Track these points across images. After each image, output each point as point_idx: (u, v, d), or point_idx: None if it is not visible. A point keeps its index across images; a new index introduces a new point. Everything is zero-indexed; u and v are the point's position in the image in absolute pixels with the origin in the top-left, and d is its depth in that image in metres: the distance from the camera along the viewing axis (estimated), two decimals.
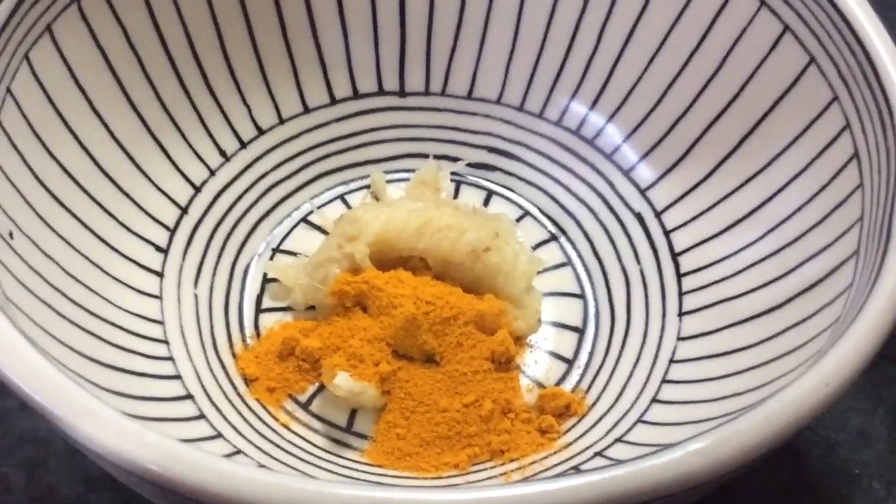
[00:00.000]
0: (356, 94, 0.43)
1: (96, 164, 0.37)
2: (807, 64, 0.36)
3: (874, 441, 0.39)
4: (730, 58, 0.38)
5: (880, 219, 0.30)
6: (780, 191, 0.36)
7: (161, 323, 0.36)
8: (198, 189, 0.40)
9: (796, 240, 0.35)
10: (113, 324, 0.34)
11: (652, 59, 0.40)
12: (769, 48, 0.37)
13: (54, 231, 0.34)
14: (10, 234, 0.31)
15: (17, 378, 0.25)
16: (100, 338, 0.33)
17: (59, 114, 0.35)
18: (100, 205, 0.37)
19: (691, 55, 0.39)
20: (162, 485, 0.24)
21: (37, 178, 0.34)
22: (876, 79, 0.33)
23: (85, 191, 0.36)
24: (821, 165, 0.35)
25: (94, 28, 0.36)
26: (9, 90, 0.33)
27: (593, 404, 0.37)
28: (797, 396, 0.25)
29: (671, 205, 0.40)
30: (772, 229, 0.36)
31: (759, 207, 0.37)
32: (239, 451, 0.33)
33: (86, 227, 0.36)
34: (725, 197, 0.38)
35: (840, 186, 0.33)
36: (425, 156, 0.43)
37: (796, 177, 0.36)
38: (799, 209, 0.35)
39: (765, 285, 0.35)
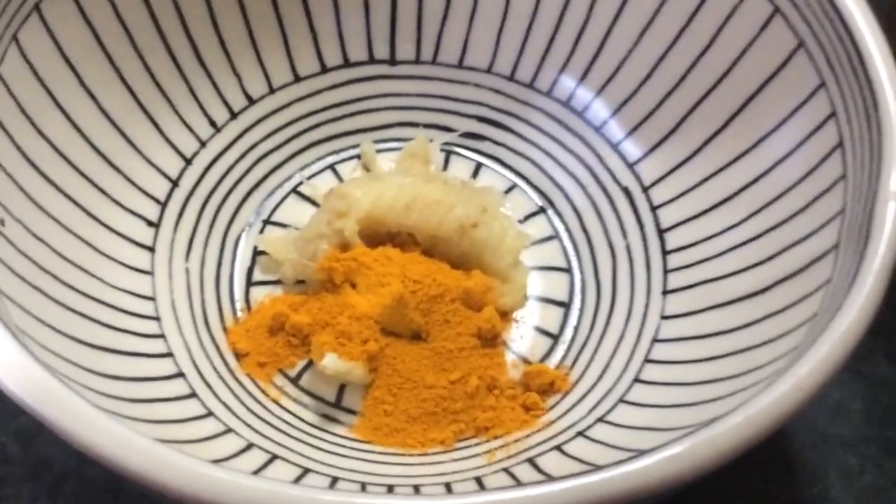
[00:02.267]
0: (347, 63, 0.43)
1: (87, 140, 0.37)
2: (795, 47, 0.36)
3: (851, 414, 0.40)
4: (719, 37, 0.38)
5: (860, 215, 0.30)
6: (764, 174, 0.36)
7: (153, 299, 0.37)
8: (188, 161, 0.40)
9: (778, 225, 0.35)
10: (105, 303, 0.35)
11: (641, 35, 0.40)
12: (759, 29, 0.37)
13: (46, 212, 0.34)
14: (2, 222, 0.32)
15: (13, 386, 0.26)
16: (92, 319, 0.34)
17: (49, 92, 0.35)
18: (91, 182, 0.37)
19: (680, 32, 0.39)
20: (151, 488, 0.25)
21: (28, 160, 0.34)
22: (863, 69, 0.33)
23: (76, 168, 0.36)
24: (806, 152, 0.35)
25: (82, 4, 0.36)
26: None
27: (577, 381, 0.37)
28: (771, 402, 0.26)
29: (658, 180, 0.40)
30: (755, 212, 0.36)
31: (743, 189, 0.37)
32: (230, 430, 0.34)
33: (77, 205, 0.36)
34: (711, 176, 0.38)
35: (824, 175, 0.34)
36: (416, 125, 0.44)
37: (781, 161, 0.36)
38: (782, 194, 0.35)
39: (746, 269, 0.36)
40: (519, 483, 0.32)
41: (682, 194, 0.39)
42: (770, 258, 0.35)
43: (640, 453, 0.25)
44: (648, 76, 0.40)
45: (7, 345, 0.27)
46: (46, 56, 0.35)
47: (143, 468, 0.25)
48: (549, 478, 0.27)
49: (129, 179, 0.38)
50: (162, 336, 0.36)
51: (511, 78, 0.43)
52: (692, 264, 0.38)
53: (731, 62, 0.38)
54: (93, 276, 0.35)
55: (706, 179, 0.39)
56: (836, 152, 0.33)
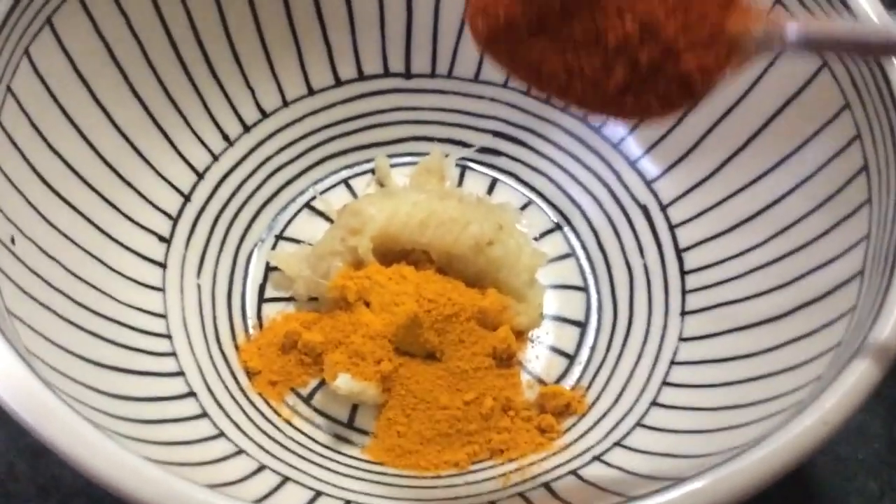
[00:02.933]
0: (361, 76, 0.43)
1: (98, 154, 0.36)
2: (819, 67, 0.35)
3: (872, 439, 0.39)
4: None
5: (887, 242, 0.30)
6: (785, 195, 0.36)
7: (164, 316, 0.36)
8: (201, 175, 0.40)
9: (799, 249, 0.34)
10: (115, 321, 0.35)
11: None
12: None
13: (56, 229, 0.34)
14: (12, 240, 0.31)
15: (19, 410, 0.25)
16: (102, 338, 0.33)
17: (61, 107, 0.35)
18: (102, 197, 0.36)
19: None
20: None
21: (39, 175, 0.34)
22: (889, 91, 0.32)
23: (87, 183, 0.36)
24: (829, 174, 0.34)
25: (95, 17, 0.36)
26: (9, 88, 0.33)
27: (593, 403, 0.37)
28: (794, 436, 0.25)
29: (677, 199, 0.40)
30: (776, 234, 0.36)
31: (764, 210, 0.37)
32: (241, 451, 0.33)
33: (88, 220, 0.36)
34: (731, 195, 0.38)
35: (847, 198, 0.33)
36: (430, 139, 0.43)
37: (803, 182, 0.35)
38: (804, 216, 0.35)
39: (767, 292, 0.35)
40: None
41: (702, 213, 0.39)
42: (791, 282, 0.34)
43: (662, 488, 0.25)
44: None
45: (14, 367, 0.26)
46: (59, 70, 0.35)
47: (146, 495, 0.24)
48: None
49: (140, 194, 0.38)
50: (173, 354, 0.36)
51: (527, 93, 0.43)
52: (711, 285, 0.37)
53: (753, 81, 0.37)
54: (103, 293, 0.35)
55: (726, 199, 0.38)
56: (860, 176, 0.33)
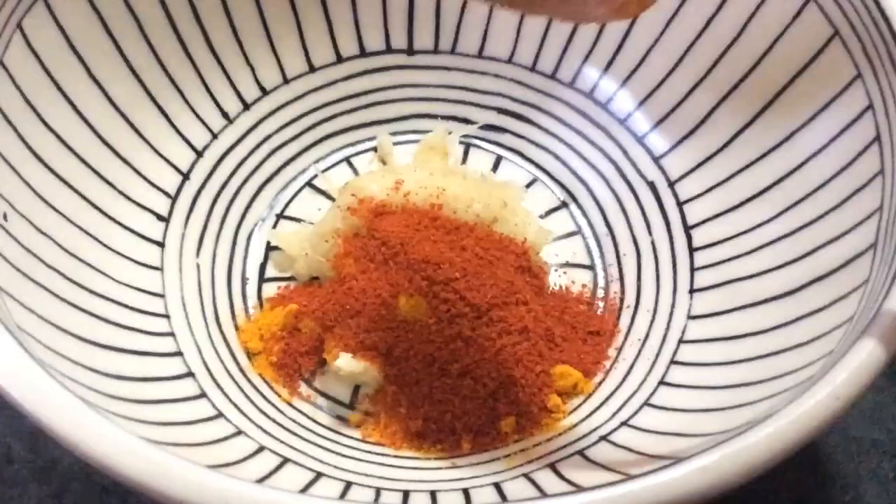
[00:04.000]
0: (363, 53, 0.42)
1: (94, 132, 0.36)
2: (830, 37, 0.34)
3: (885, 420, 0.38)
4: (749, 26, 0.37)
5: None
6: (796, 169, 0.35)
7: (162, 296, 0.36)
8: (200, 153, 0.39)
9: (811, 223, 0.34)
10: (112, 300, 0.34)
11: (668, 24, 0.39)
12: (791, 18, 0.35)
13: (51, 206, 0.33)
14: (4, 216, 0.31)
15: (9, 388, 0.25)
16: (98, 316, 0.33)
17: (56, 82, 0.34)
18: (99, 174, 0.36)
19: (709, 21, 0.38)
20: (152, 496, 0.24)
21: (33, 152, 0.33)
22: None
23: (83, 161, 0.35)
24: (841, 146, 0.33)
25: None
26: (1, 63, 0.32)
27: (600, 383, 0.36)
28: (804, 411, 0.25)
29: (685, 175, 0.39)
30: (787, 209, 0.35)
31: (774, 184, 0.36)
32: (241, 432, 0.33)
33: (84, 198, 0.35)
34: (741, 170, 0.37)
35: (860, 170, 0.32)
36: (434, 117, 0.42)
37: (814, 155, 0.34)
38: (815, 190, 0.34)
39: (777, 268, 0.34)
40: (541, 492, 0.30)
41: (710, 189, 0.38)
42: (803, 257, 0.33)
43: (670, 464, 0.24)
44: (675, 66, 0.39)
45: (4, 345, 0.25)
46: (53, 45, 0.34)
47: (141, 475, 0.24)
48: (575, 487, 0.26)
49: (137, 172, 0.37)
50: (171, 334, 0.35)
51: (532, 68, 0.42)
52: (720, 262, 0.37)
53: (762, 52, 0.36)
54: (99, 271, 0.34)
55: (735, 174, 0.37)
56: (873, 146, 0.32)
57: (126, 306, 0.34)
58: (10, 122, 0.32)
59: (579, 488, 0.24)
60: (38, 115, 0.34)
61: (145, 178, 0.38)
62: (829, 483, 0.37)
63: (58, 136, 0.34)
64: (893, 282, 0.27)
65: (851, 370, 0.25)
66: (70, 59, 0.35)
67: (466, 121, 0.42)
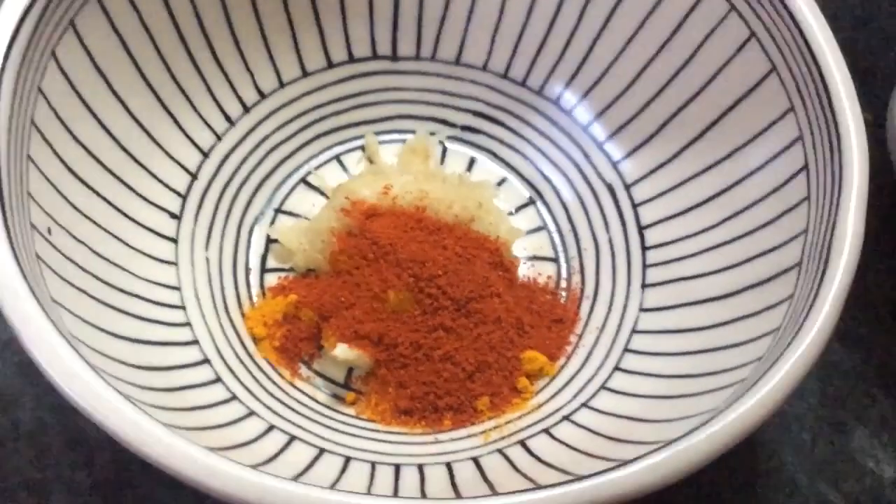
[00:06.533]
0: (351, 59, 0.46)
1: (116, 142, 0.40)
2: (768, 71, 0.39)
3: (806, 395, 0.44)
4: (699, 53, 0.41)
5: (821, 239, 0.34)
6: (737, 183, 0.40)
7: (178, 289, 0.40)
8: (206, 154, 0.43)
9: (747, 234, 0.39)
10: (137, 295, 0.38)
11: (627, 45, 0.43)
12: (735, 50, 0.40)
13: (84, 215, 0.37)
14: (49, 231, 0.35)
15: (78, 398, 0.29)
16: (127, 313, 0.37)
17: (83, 101, 0.38)
18: (121, 180, 0.40)
19: (663, 46, 0.42)
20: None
21: (67, 167, 0.37)
22: (828, 101, 0.36)
23: (108, 170, 0.39)
24: (774, 168, 0.38)
25: (111, 15, 0.39)
26: (39, 89, 0.36)
27: (563, 366, 0.41)
28: (736, 417, 0.30)
29: (640, 179, 0.44)
30: (727, 218, 0.40)
31: (717, 195, 0.41)
32: (252, 413, 0.37)
33: (111, 204, 0.39)
34: (688, 179, 0.42)
35: (789, 194, 0.37)
36: (416, 118, 0.47)
37: (752, 174, 0.39)
38: (751, 205, 0.39)
39: (718, 271, 0.39)
40: (514, 468, 0.36)
41: (662, 194, 0.43)
42: (738, 264, 0.39)
43: (623, 463, 0.29)
44: (632, 83, 0.43)
45: (65, 355, 0.30)
46: (81, 67, 0.38)
47: (197, 475, 0.29)
48: (534, 485, 0.31)
49: (153, 175, 0.41)
50: (188, 324, 0.39)
51: (505, 76, 0.46)
52: (670, 261, 0.42)
53: (709, 77, 0.41)
54: (124, 269, 0.38)
55: (684, 182, 0.42)
56: (801, 174, 0.37)
57: (148, 300, 0.39)
58: (47, 141, 0.36)
59: (536, 486, 0.29)
60: (70, 132, 0.37)
61: (160, 180, 0.42)
62: (755, 451, 0.42)
63: (87, 150, 0.38)
64: (814, 302, 0.32)
65: (775, 382, 0.31)
66: (95, 78, 0.39)
67: (445, 122, 0.47)
